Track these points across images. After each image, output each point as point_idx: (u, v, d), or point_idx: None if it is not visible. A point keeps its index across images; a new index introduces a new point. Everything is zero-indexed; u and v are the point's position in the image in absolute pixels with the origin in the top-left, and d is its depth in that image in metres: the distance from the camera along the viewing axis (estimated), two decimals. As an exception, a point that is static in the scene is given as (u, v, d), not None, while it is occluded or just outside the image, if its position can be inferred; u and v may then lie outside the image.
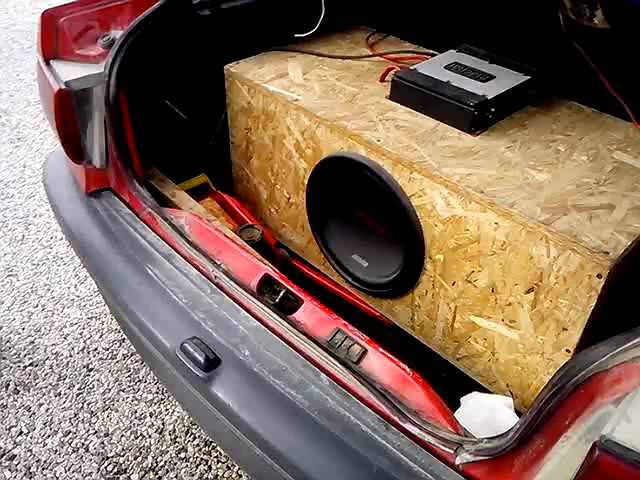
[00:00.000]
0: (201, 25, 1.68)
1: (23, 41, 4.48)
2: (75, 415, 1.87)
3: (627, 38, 1.27)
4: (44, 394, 1.93)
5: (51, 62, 1.55)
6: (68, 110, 1.52)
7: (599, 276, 1.07)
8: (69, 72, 1.51)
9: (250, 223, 1.74)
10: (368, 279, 1.58)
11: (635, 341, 0.78)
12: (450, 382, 1.47)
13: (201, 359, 1.17)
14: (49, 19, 1.55)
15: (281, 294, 1.29)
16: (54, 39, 1.59)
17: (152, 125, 1.72)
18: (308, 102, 1.54)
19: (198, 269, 1.38)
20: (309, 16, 1.73)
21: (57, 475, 1.71)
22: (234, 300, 1.30)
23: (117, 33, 1.56)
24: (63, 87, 1.47)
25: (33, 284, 2.36)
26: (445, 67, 1.55)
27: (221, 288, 1.33)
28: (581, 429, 0.80)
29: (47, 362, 2.04)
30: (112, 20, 1.59)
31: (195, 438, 1.79)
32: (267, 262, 1.43)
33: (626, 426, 0.71)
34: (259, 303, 1.26)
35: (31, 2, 5.31)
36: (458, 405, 1.28)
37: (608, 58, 1.30)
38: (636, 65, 1.42)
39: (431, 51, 1.74)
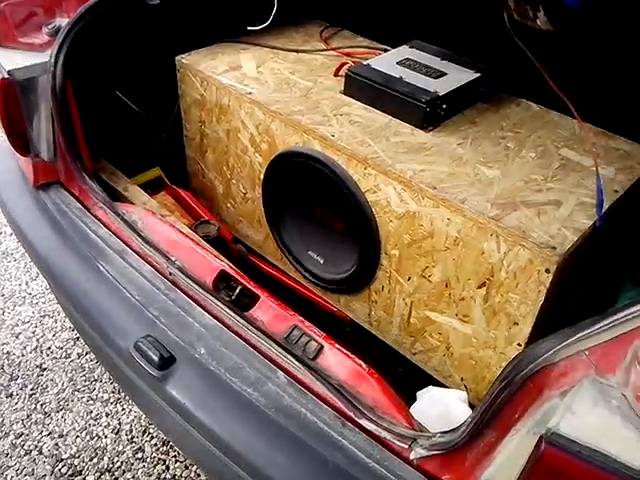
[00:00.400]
0: (151, 14, 1.64)
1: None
2: (28, 416, 1.82)
3: (570, 38, 1.31)
4: (-6, 395, 1.88)
5: (-7, 51, 1.49)
6: (12, 100, 1.46)
7: (547, 271, 1.11)
8: (12, 61, 1.46)
9: (206, 218, 1.72)
10: (325, 275, 1.59)
11: (579, 335, 0.81)
12: (407, 377, 1.49)
13: (155, 358, 1.15)
14: (-10, 5, 1.48)
15: (237, 290, 1.29)
16: (-5, 26, 1.52)
17: (102, 116, 1.68)
18: (262, 96, 1.53)
19: (152, 265, 1.35)
20: (262, 8, 1.71)
21: (8, 479, 1.66)
22: (189, 297, 1.28)
23: (63, 21, 1.51)
24: (6, 76, 1.41)
25: (-20, 283, 2.28)
26: (398, 63, 1.56)
27: (176, 285, 1.31)
28: (529, 422, 0.83)
29: (-3, 362, 1.98)
30: (57, 7, 1.53)
31: (152, 438, 1.77)
32: (223, 258, 1.42)
33: (570, 418, 0.73)
34: (215, 300, 1.25)
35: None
36: (415, 399, 1.31)
37: (553, 57, 1.34)
38: (579, 64, 1.47)
39: (384, 46, 1.75)
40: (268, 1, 1.67)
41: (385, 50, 1.70)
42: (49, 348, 2.03)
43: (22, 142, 1.53)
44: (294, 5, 1.87)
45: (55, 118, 1.48)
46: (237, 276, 1.30)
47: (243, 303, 1.26)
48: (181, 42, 1.72)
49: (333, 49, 1.76)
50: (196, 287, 1.27)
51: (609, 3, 1.20)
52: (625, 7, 1.33)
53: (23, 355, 2.01)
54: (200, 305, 1.26)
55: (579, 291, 1.38)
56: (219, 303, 1.24)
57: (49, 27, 1.51)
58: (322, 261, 1.60)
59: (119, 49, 1.66)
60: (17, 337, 2.07)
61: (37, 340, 2.06)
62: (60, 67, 1.43)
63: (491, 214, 1.17)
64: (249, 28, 1.73)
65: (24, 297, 2.23)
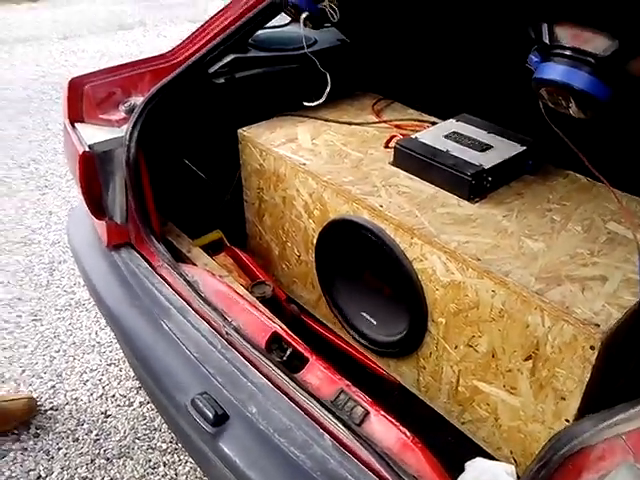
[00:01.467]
0: (217, 92, 1.79)
1: (52, 92, 4.68)
2: (92, 461, 1.92)
3: (604, 123, 1.34)
4: (63, 438, 1.99)
5: (76, 125, 1.67)
6: (91, 171, 1.62)
7: (592, 348, 1.11)
8: (93, 135, 1.62)
9: (262, 279, 1.81)
10: (376, 337, 1.63)
11: (617, 418, 0.82)
12: (456, 445, 1.49)
13: (210, 415, 1.21)
14: (75, 85, 1.68)
15: (288, 352, 1.35)
16: (79, 104, 1.71)
17: (170, 183, 1.82)
18: (315, 166, 1.63)
19: (210, 324, 1.44)
20: (317, 85, 1.83)
21: (70, 522, 1.75)
22: (243, 356, 1.35)
23: (137, 99, 1.67)
24: (87, 149, 1.57)
25: (56, 329, 2.45)
26: (445, 136, 1.63)
27: (231, 344, 1.39)
28: (568, 503, 0.84)
29: (67, 407, 2.11)
30: (133, 87, 1.71)
31: (205, 490, 1.83)
32: (276, 320, 1.49)
33: (606, 504, 0.74)
34: (267, 361, 1.31)
35: (61, 54, 5.57)
36: (463, 469, 1.31)
37: (599, 133, 1.37)
38: (625, 139, 1.49)
39: (433, 118, 1.83)
40: (322, 79, 1.79)
41: (433, 123, 1.78)
42: (113, 396, 2.15)
43: (98, 207, 1.68)
44: (347, 81, 1.99)
45: (128, 186, 1.62)
46: (288, 338, 1.36)
47: (294, 365, 1.32)
48: (243, 116, 1.86)
49: (384, 121, 1.86)
50: (250, 347, 1.35)
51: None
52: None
53: (90, 402, 2.13)
54: (253, 365, 1.33)
55: (630, 367, 1.37)
56: (271, 364, 1.30)
57: (125, 105, 1.68)
58: (375, 322, 1.64)
59: (187, 122, 1.82)
60: (85, 384, 2.20)
61: (103, 387, 2.18)
62: (134, 141, 1.59)
63: (535, 288, 1.20)
64: (305, 104, 1.86)
65: (93, 346, 2.37)
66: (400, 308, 1.53)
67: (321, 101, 1.79)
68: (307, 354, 1.32)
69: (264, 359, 1.32)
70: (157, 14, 6.65)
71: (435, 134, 1.64)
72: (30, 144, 3.92)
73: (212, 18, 1.79)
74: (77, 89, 1.71)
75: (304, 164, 1.65)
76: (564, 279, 1.22)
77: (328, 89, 1.75)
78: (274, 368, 1.30)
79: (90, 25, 6.48)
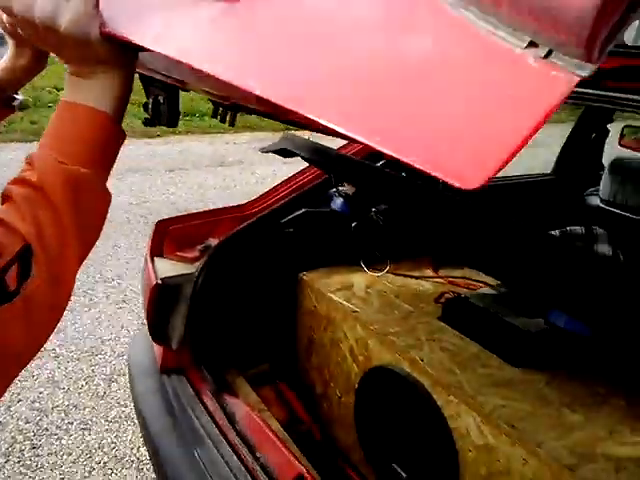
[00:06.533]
0: (284, 239, 1.96)
1: (149, 216, 5.14)
2: None
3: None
4: None
5: (155, 259, 1.86)
6: (160, 301, 1.77)
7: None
8: (167, 270, 1.80)
9: (301, 416, 1.82)
10: (406, 493, 1.56)
11: None
12: None
13: None
14: (162, 226, 1.92)
15: (311, 495, 1.33)
16: (162, 242, 1.92)
17: (229, 316, 1.94)
18: (365, 314, 1.70)
19: (241, 459, 1.46)
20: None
21: None
22: (266, 494, 1.35)
23: (213, 241, 1.87)
24: (159, 282, 1.74)
25: (102, 440, 2.50)
26: (495, 298, 1.67)
27: (257, 480, 1.39)
28: None
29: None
30: (210, 232, 1.91)
31: None
32: (304, 461, 1.49)
33: None
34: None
35: (164, 185, 6.22)
36: None
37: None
38: None
39: (489, 279, 1.88)
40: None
41: (487, 284, 1.83)
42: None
43: (159, 332, 1.81)
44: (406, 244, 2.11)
45: (189, 317, 1.75)
46: (312, 481, 1.35)
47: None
48: (304, 262, 2.00)
49: (440, 277, 1.94)
50: (274, 486, 1.35)
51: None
52: None
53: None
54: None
55: None
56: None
57: (201, 245, 1.88)
58: (405, 476, 1.59)
59: (254, 263, 1.97)
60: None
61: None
62: (202, 278, 1.74)
63: (566, 462, 1.15)
64: (362, 264, 1.99)
65: (132, 461, 2.39)
66: (431, 464, 1.48)
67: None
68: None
69: (286, 499, 1.32)
70: (255, 155, 7.30)
71: (486, 295, 1.68)
72: (118, 261, 4.26)
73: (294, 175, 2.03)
74: (162, 229, 1.95)
75: (354, 312, 1.73)
76: (599, 456, 1.17)
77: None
78: (294, 510, 1.28)
79: (195, 161, 7.24)
